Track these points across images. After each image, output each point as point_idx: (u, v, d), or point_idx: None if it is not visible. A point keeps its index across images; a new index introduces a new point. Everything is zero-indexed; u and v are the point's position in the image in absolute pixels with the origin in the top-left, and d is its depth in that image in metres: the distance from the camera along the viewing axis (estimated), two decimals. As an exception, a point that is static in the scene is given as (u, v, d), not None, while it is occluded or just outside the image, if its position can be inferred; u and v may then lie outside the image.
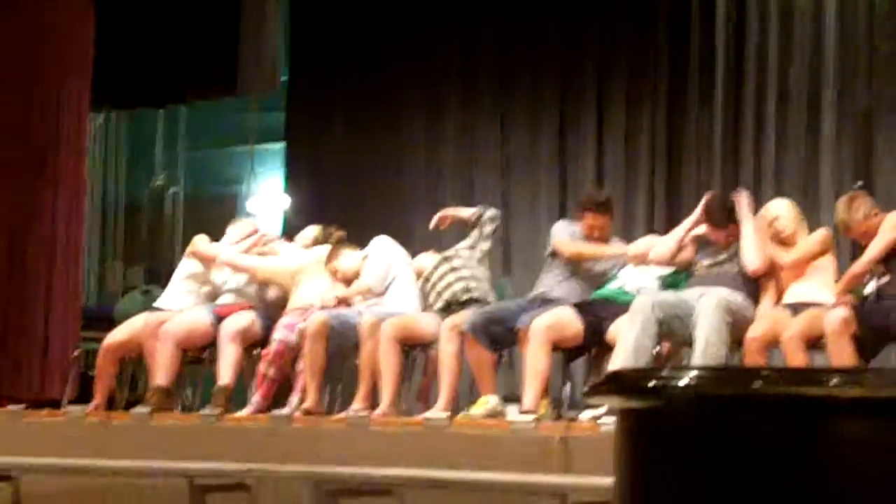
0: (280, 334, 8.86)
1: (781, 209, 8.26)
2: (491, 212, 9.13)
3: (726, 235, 8.10)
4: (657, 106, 12.12)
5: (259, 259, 9.56)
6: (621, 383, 1.98)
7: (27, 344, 10.98)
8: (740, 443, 1.80)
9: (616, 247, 8.68)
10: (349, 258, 9.26)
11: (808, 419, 1.75)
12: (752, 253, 7.91)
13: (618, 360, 7.59)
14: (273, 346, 8.83)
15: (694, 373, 1.85)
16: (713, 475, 1.81)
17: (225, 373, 8.92)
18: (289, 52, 13.60)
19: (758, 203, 10.86)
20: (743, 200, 8.18)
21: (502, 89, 12.83)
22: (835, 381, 1.75)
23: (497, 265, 11.07)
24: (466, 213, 9.14)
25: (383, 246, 9.28)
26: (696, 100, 11.93)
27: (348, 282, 9.20)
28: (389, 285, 9.06)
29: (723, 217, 8.13)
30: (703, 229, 8.27)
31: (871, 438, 1.73)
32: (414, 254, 9.35)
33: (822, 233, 8.18)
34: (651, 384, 1.88)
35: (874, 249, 7.66)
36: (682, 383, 1.84)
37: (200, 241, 9.76)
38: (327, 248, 9.47)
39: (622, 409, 1.97)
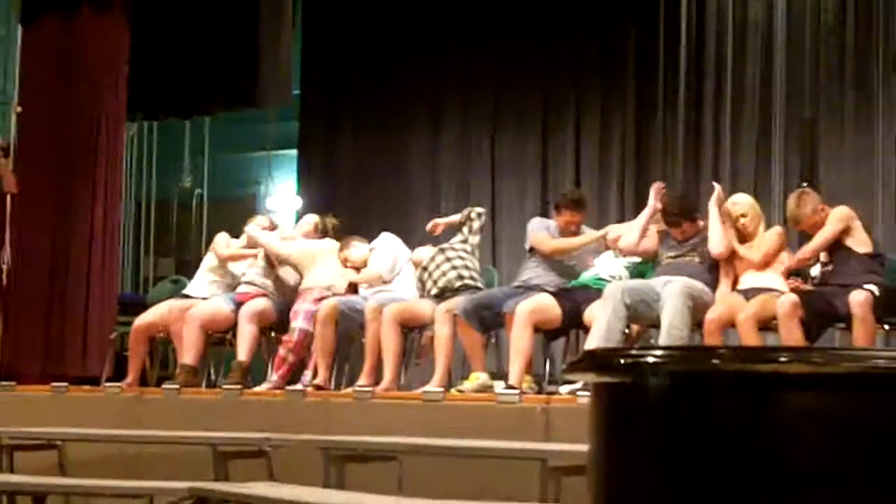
0: (301, 324, 8.88)
1: (747, 206, 8.25)
2: (477, 210, 9.17)
3: (682, 231, 8.12)
4: (627, 115, 12.16)
5: (286, 244, 9.58)
6: (595, 361, 1.97)
7: (70, 328, 10.96)
8: (701, 414, 1.79)
9: (588, 233, 8.67)
10: (359, 249, 9.31)
11: (760, 393, 1.74)
12: (717, 241, 7.93)
13: (592, 341, 7.60)
14: (295, 336, 8.86)
15: (660, 351, 1.85)
16: (677, 443, 1.80)
17: (242, 350, 8.95)
18: (301, 68, 13.61)
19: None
20: (715, 193, 8.18)
21: (493, 102, 12.86)
22: (784, 358, 1.74)
23: (487, 257, 11.08)
24: (455, 218, 9.16)
25: (390, 240, 9.34)
26: (661, 110, 11.96)
27: (357, 269, 9.24)
28: (396, 275, 9.10)
29: (677, 220, 8.15)
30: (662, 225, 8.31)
31: (817, 410, 1.71)
32: (414, 248, 9.36)
33: (777, 230, 8.21)
34: (622, 362, 1.87)
35: (819, 238, 7.70)
36: (649, 361, 1.84)
37: (220, 242, 9.77)
38: (335, 241, 9.51)
39: (596, 384, 1.96)
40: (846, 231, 7.65)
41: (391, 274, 9.09)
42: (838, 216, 7.69)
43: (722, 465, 1.76)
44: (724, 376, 1.76)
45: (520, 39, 12.68)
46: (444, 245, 8.89)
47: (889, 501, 1.69)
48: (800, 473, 1.72)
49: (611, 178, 12.18)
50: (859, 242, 7.65)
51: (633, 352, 1.85)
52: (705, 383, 1.78)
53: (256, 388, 8.73)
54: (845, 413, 1.70)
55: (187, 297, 9.54)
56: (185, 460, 7.45)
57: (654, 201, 8.34)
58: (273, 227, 9.90)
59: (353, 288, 9.14)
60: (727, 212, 8.12)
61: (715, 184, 8.51)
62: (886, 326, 7.58)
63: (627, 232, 8.37)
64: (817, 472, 1.71)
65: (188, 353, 9.02)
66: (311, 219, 9.87)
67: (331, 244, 9.49)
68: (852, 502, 1.70)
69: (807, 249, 7.80)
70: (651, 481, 1.82)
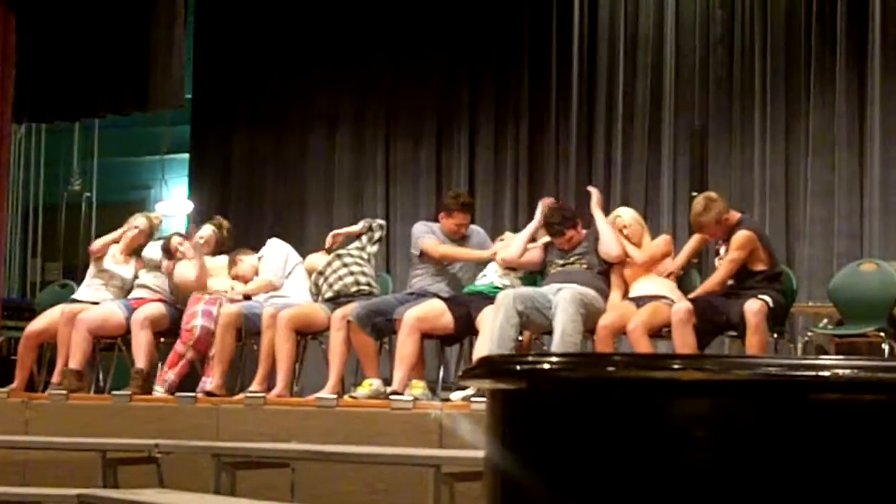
0: (202, 321, 8.80)
1: (629, 217, 8.36)
2: (379, 221, 9.23)
3: (568, 240, 8.19)
4: (521, 123, 12.25)
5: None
6: (492, 367, 1.99)
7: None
8: (596, 419, 1.82)
9: (478, 252, 8.69)
10: (246, 262, 9.26)
11: (655, 399, 1.78)
12: (611, 243, 8.02)
13: (483, 347, 7.67)
14: (197, 332, 8.76)
15: (556, 358, 1.88)
16: (572, 448, 1.83)
17: (139, 358, 8.87)
18: (193, 71, 13.52)
19: (608, 206, 11.02)
20: (594, 197, 8.28)
21: (388, 107, 12.88)
22: (677, 365, 1.78)
23: (380, 263, 11.08)
24: (355, 228, 9.15)
25: (277, 246, 9.32)
26: (555, 118, 12.08)
27: (247, 281, 9.20)
28: (285, 279, 9.08)
29: (559, 228, 8.21)
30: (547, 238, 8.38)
31: (710, 415, 1.75)
32: (308, 252, 9.35)
33: (665, 238, 8.32)
34: (518, 368, 1.89)
35: (724, 270, 7.72)
36: (546, 367, 1.86)
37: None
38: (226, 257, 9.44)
39: (492, 391, 1.98)
40: (748, 255, 7.71)
41: (281, 280, 9.07)
42: (741, 243, 7.68)
43: (617, 470, 1.79)
44: (619, 383, 1.80)
45: (415, 44, 12.73)
46: (342, 251, 8.90)
47: (776, 500, 1.74)
48: (693, 476, 1.76)
49: (504, 185, 12.27)
50: (758, 261, 7.72)
51: (530, 358, 1.88)
52: (601, 390, 1.82)
53: (155, 392, 8.64)
54: (737, 418, 1.75)
55: (76, 301, 9.42)
56: (74, 466, 7.37)
57: (540, 216, 8.41)
58: (152, 228, 9.80)
59: (246, 297, 9.10)
60: (612, 223, 8.22)
61: (591, 188, 8.60)
62: (776, 335, 7.72)
63: (507, 247, 8.41)
64: (709, 475, 1.75)
65: (73, 358, 8.93)
66: (208, 230, 9.70)
67: (224, 260, 9.43)
68: (741, 501, 1.74)
69: (715, 281, 7.77)
70: (546, 487, 1.85)
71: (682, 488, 1.75)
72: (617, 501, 1.78)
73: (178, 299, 9.26)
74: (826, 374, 1.70)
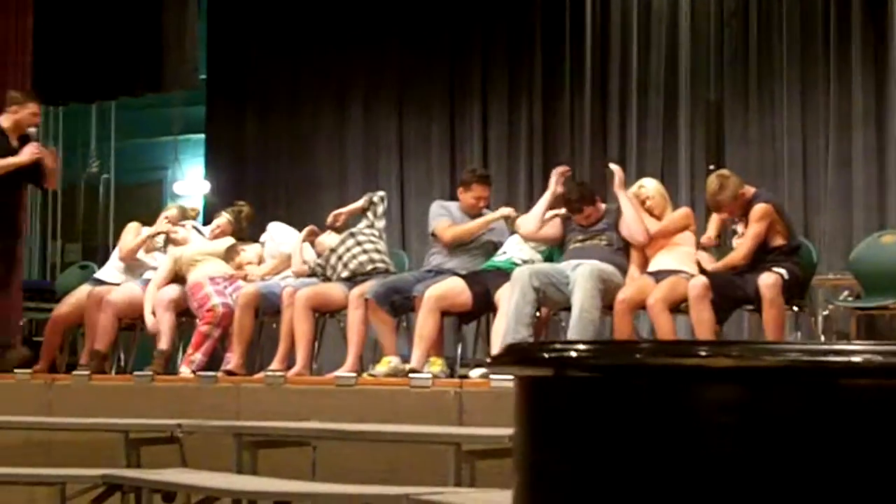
0: (222, 299, 8.80)
1: (652, 189, 8.24)
2: (379, 193, 9.11)
3: (586, 216, 8.12)
4: (534, 95, 12.23)
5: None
6: (519, 355, 1.99)
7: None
8: (624, 407, 1.81)
9: (488, 214, 8.66)
10: (249, 252, 9.22)
11: (682, 386, 1.77)
12: (636, 228, 7.92)
13: (500, 324, 7.65)
14: (220, 310, 8.76)
15: (583, 346, 1.86)
16: (600, 436, 1.82)
17: (164, 339, 8.89)
18: (207, 51, 13.52)
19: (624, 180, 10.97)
20: (616, 175, 8.16)
21: (399, 84, 12.86)
22: (705, 352, 1.76)
23: (396, 240, 11.10)
24: (357, 204, 9.10)
25: (281, 229, 9.32)
26: (569, 91, 12.05)
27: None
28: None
29: (578, 206, 8.12)
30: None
31: (738, 401, 1.74)
32: (323, 230, 9.33)
33: (684, 210, 8.25)
34: (546, 356, 1.88)
35: (745, 247, 7.60)
36: (573, 355, 1.85)
37: (127, 236, 9.58)
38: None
39: (520, 378, 1.97)
40: (768, 226, 7.63)
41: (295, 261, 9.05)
42: (760, 214, 7.57)
43: (645, 457, 1.78)
44: (647, 370, 1.79)
45: (425, 18, 12.70)
46: (354, 230, 8.89)
47: (804, 486, 1.73)
48: (721, 464, 1.75)
49: (518, 159, 12.25)
50: (776, 234, 7.64)
51: (557, 346, 1.87)
52: (628, 377, 1.80)
53: (182, 373, 8.66)
54: (766, 405, 1.73)
55: (99, 281, 9.44)
56: (97, 447, 7.38)
57: (554, 186, 8.32)
58: (184, 217, 9.80)
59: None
60: (636, 196, 8.15)
61: (613, 166, 8.33)
62: (796, 308, 7.66)
63: (525, 219, 8.35)
64: (738, 462, 1.74)
65: (101, 340, 8.97)
66: (222, 219, 9.65)
67: (220, 245, 9.39)
68: (769, 489, 1.73)
69: (739, 255, 7.68)
70: (575, 474, 1.84)
71: (710, 476, 1.74)
72: (645, 489, 1.77)
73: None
74: (857, 359, 1.68)
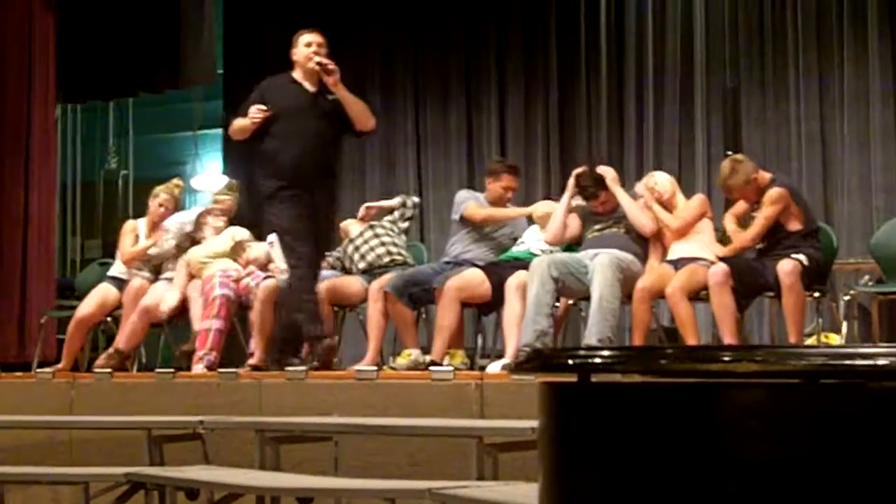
0: (223, 290, 8.75)
1: (664, 182, 8.20)
2: (414, 199, 9.19)
3: (602, 202, 8.08)
4: (550, 84, 12.21)
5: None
6: (544, 360, 1.98)
7: (6, 314, 10.87)
8: (650, 410, 1.80)
9: (519, 209, 8.69)
10: (255, 249, 9.10)
11: (707, 391, 1.76)
12: (641, 218, 7.91)
13: (510, 315, 7.66)
14: (218, 301, 8.68)
15: (608, 352, 1.86)
16: (626, 442, 1.81)
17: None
18: (224, 46, 13.52)
19: (641, 167, 10.96)
20: (608, 174, 8.12)
21: (416, 74, 12.85)
22: (729, 357, 1.75)
23: (414, 230, 11.07)
24: (390, 203, 9.12)
25: None
26: (585, 78, 12.02)
27: (261, 265, 9.07)
28: None
29: (593, 191, 8.08)
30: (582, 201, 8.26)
31: (764, 405, 1.73)
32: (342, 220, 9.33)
33: (700, 198, 8.17)
34: (570, 361, 1.87)
35: (757, 227, 7.60)
36: (598, 360, 1.84)
37: (125, 239, 9.53)
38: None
39: (545, 383, 1.96)
40: (782, 211, 7.60)
41: None
42: (774, 198, 7.55)
43: (670, 462, 1.77)
44: (673, 375, 1.78)
45: (439, 6, 12.68)
46: (375, 223, 8.89)
47: (831, 490, 1.71)
48: (747, 468, 1.74)
49: (536, 148, 12.23)
50: (793, 219, 7.60)
51: (582, 352, 1.86)
52: (653, 382, 1.80)
53: (195, 370, 8.63)
54: (792, 408, 1.72)
55: (116, 279, 9.41)
56: (120, 445, 7.40)
57: (572, 189, 8.22)
58: (171, 195, 9.70)
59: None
60: (648, 188, 8.11)
61: (601, 169, 8.21)
62: (817, 294, 7.62)
63: (548, 229, 8.26)
64: (764, 466, 1.73)
65: (129, 341, 8.99)
66: (225, 195, 9.60)
67: (223, 242, 9.35)
68: (797, 493, 1.72)
69: (748, 237, 7.67)
70: (602, 479, 1.83)
71: (737, 480, 1.73)
72: (673, 494, 1.76)
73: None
74: (883, 362, 1.67)
